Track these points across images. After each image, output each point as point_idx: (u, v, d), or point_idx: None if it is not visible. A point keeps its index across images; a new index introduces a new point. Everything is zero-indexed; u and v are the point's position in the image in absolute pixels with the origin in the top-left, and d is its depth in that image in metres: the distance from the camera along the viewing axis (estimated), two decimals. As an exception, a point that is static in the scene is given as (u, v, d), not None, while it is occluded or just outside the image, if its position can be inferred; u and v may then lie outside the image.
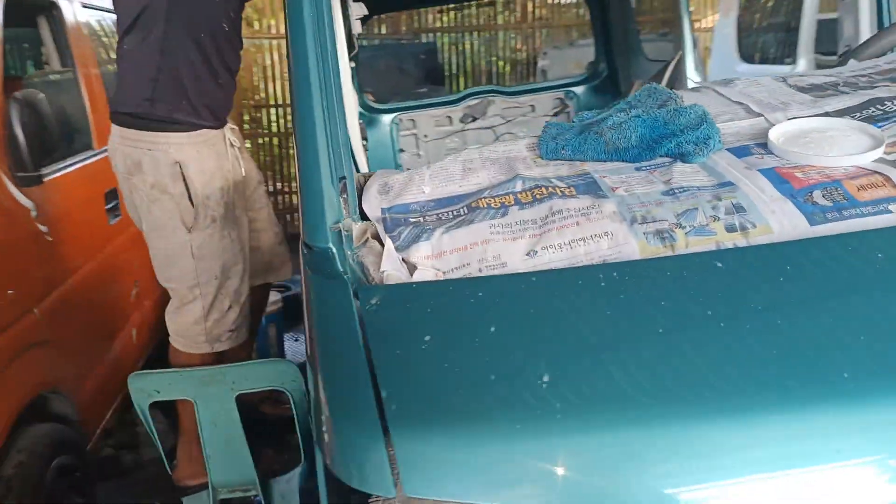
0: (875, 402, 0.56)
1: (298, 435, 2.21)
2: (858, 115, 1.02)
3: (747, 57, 5.96)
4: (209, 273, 1.90)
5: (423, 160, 4.26)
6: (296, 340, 3.24)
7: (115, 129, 1.80)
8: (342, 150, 0.97)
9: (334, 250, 0.92)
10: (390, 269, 0.85)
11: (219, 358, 2.06)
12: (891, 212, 0.79)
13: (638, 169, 0.97)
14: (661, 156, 0.98)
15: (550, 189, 0.92)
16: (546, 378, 0.62)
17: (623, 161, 0.99)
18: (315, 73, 1.03)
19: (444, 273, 0.85)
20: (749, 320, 0.63)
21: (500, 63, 8.19)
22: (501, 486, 0.59)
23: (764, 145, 0.97)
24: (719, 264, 0.71)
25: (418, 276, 0.83)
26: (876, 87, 1.10)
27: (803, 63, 4.70)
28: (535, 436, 0.59)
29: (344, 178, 0.96)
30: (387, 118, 4.06)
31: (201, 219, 1.83)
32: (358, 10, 2.13)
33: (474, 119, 4.61)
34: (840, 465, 0.55)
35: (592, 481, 0.57)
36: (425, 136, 4.21)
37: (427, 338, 0.70)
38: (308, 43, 1.06)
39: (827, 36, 6.05)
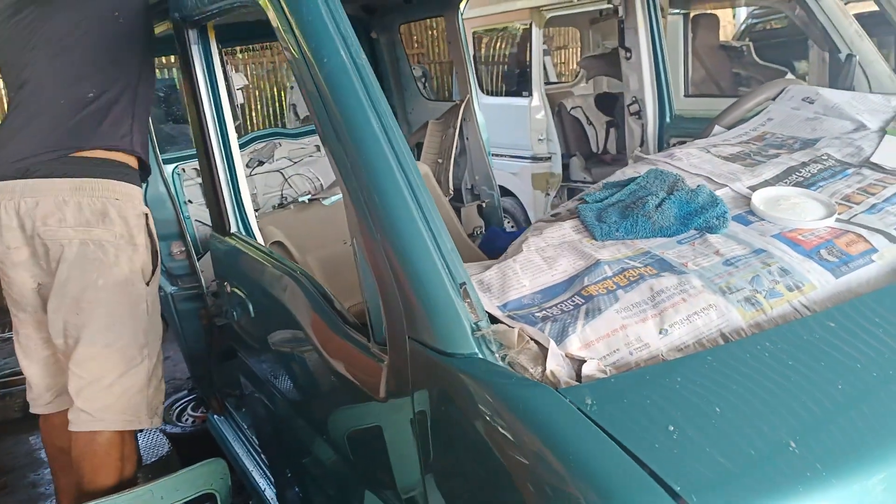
0: None
1: (226, 535, 2.02)
2: (788, 181, 1.36)
3: (488, 91, 6.74)
4: (156, 332, 1.84)
5: (212, 209, 4.06)
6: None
7: (60, 182, 1.71)
8: (453, 254, 1.01)
9: (480, 355, 0.96)
10: (555, 366, 0.93)
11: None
12: (874, 261, 1.12)
13: (680, 242, 1.18)
14: (692, 229, 1.20)
15: (638, 271, 1.08)
16: (793, 445, 0.79)
17: (663, 237, 1.19)
18: (394, 164, 1.04)
19: (600, 361, 0.95)
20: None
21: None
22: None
23: (751, 212, 1.25)
24: (832, 324, 0.95)
25: (587, 370, 0.93)
26: (777, 155, 1.47)
27: (537, 95, 5.51)
28: (810, 490, 0.75)
29: (464, 283, 0.99)
30: (167, 168, 3.82)
31: (157, 273, 1.82)
32: (239, 81, 2.04)
33: (261, 163, 4.53)
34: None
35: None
36: (211, 184, 4.02)
37: (671, 427, 0.81)
38: (374, 127, 1.06)
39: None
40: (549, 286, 1.09)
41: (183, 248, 3.18)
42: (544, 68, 7.63)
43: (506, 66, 7.24)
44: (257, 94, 8.46)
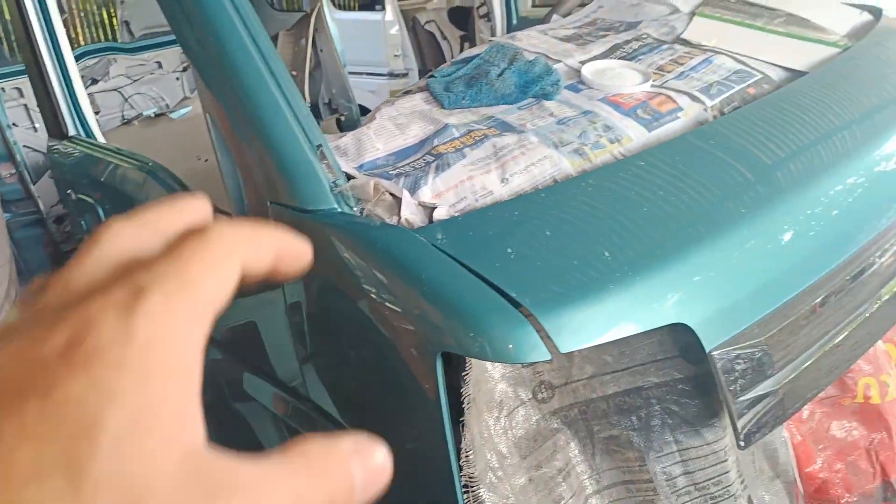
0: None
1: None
2: (613, 56, 1.51)
3: (340, 5, 6.54)
4: (4, 253, 1.83)
5: (42, 133, 3.79)
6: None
7: None
8: (308, 118, 1.05)
9: (339, 209, 1.03)
10: (409, 214, 1.01)
11: None
12: (679, 117, 1.29)
13: (520, 108, 1.29)
14: (530, 97, 1.31)
15: (482, 132, 1.18)
16: (607, 253, 0.93)
17: (506, 104, 1.29)
18: (245, 35, 1.05)
19: (450, 208, 1.05)
20: (689, 186, 1.04)
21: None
22: (613, 325, 0.89)
23: (581, 82, 1.38)
24: (642, 163, 1.10)
25: (438, 214, 1.02)
26: (605, 36, 1.62)
27: (390, 9, 5.45)
28: (619, 286, 0.90)
29: (320, 144, 1.04)
30: (-16, 87, 3.50)
31: None
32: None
33: (95, 81, 4.24)
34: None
35: (660, 299, 0.91)
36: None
37: (509, 250, 0.93)
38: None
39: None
40: (402, 148, 1.16)
41: (13, 171, 2.93)
42: (397, -16, 7.48)
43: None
44: (83, 14, 7.65)
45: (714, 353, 0.94)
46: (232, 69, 1.06)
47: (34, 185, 2.93)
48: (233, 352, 1.47)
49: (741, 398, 0.97)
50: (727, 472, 1.09)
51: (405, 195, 1.02)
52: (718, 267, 0.97)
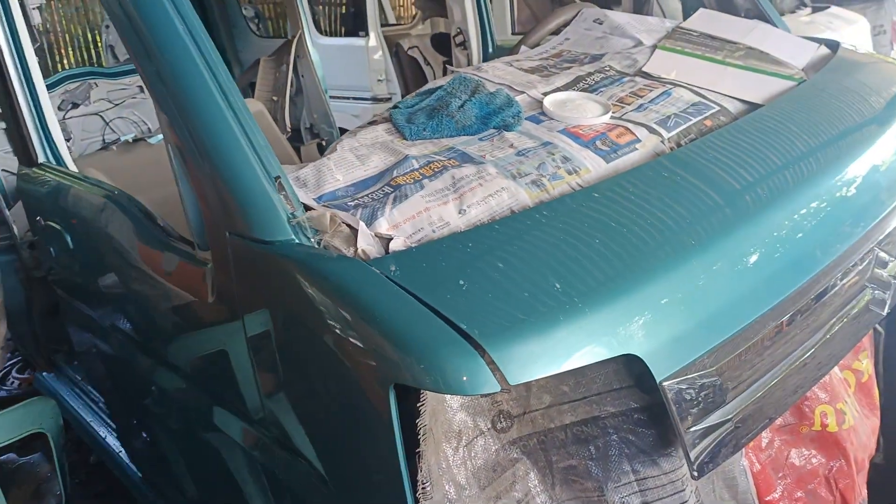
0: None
1: (59, 478, 1.98)
2: (576, 87, 1.54)
3: (325, 31, 6.62)
4: None
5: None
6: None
7: None
8: (266, 150, 1.06)
9: (297, 240, 1.03)
10: (365, 245, 1.02)
11: None
12: (637, 149, 1.31)
13: (481, 139, 1.30)
14: (491, 128, 1.33)
15: (441, 163, 1.19)
16: (557, 285, 0.94)
17: (467, 135, 1.31)
18: (202, 64, 1.06)
19: (406, 239, 1.06)
20: (641, 218, 1.05)
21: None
22: (563, 357, 0.90)
23: (543, 113, 1.40)
24: (596, 194, 1.12)
25: (394, 245, 1.03)
26: (569, 68, 1.65)
27: (374, 35, 5.51)
28: (568, 318, 0.91)
29: (278, 176, 1.05)
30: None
31: None
32: (35, -1, 1.89)
33: (76, 105, 4.24)
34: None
35: (609, 330, 0.92)
36: (17, 130, 3.70)
37: (462, 282, 0.94)
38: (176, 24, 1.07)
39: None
40: (362, 180, 1.17)
41: (-13, 196, 2.91)
42: (382, 10, 7.60)
43: (343, 7, 7.10)
44: (67, 37, 7.68)
45: (665, 383, 0.95)
46: (190, 102, 1.07)
47: (10, 210, 2.91)
48: (203, 382, 1.46)
49: (694, 428, 0.98)
50: (685, 502, 1.09)
51: (361, 226, 1.03)
52: (671, 297, 0.98)
